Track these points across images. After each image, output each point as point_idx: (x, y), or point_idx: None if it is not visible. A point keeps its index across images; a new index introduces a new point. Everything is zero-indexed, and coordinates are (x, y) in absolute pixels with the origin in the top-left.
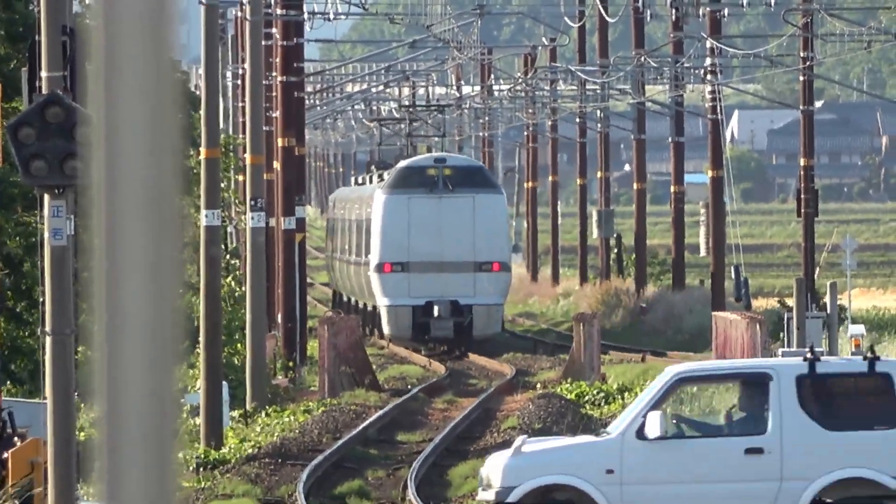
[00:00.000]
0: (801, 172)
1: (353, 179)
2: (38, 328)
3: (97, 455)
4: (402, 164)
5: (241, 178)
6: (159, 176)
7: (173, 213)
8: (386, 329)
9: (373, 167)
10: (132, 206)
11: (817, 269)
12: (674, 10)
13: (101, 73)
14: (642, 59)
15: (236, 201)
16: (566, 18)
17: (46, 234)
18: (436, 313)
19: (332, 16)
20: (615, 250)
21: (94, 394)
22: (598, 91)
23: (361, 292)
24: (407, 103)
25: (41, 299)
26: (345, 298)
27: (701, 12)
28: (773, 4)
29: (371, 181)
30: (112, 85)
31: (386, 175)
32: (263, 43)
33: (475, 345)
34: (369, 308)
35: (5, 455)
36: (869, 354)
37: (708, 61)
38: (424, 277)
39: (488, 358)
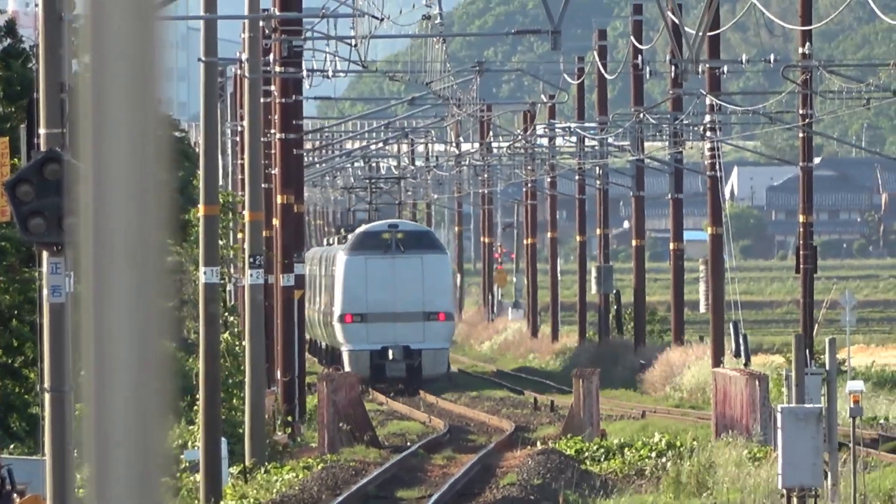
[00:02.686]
0: (801, 229)
1: (325, 240)
2: (34, 384)
3: None
4: (361, 229)
5: (240, 235)
6: (146, 231)
7: (160, 268)
8: (347, 370)
9: (342, 230)
10: (119, 260)
11: (816, 326)
12: (673, 67)
13: (90, 128)
14: (641, 115)
15: (234, 259)
16: (565, 75)
17: (45, 292)
18: (390, 356)
19: (331, 73)
20: (614, 307)
21: (84, 450)
22: (597, 148)
23: (328, 338)
24: (371, 175)
25: (31, 356)
26: (317, 343)
27: (700, 69)
28: (772, 61)
29: (338, 242)
30: (100, 140)
31: (349, 237)
32: (262, 100)
33: (426, 384)
34: (334, 351)
35: None
36: None
37: (707, 118)
38: (380, 326)
39: (488, 414)
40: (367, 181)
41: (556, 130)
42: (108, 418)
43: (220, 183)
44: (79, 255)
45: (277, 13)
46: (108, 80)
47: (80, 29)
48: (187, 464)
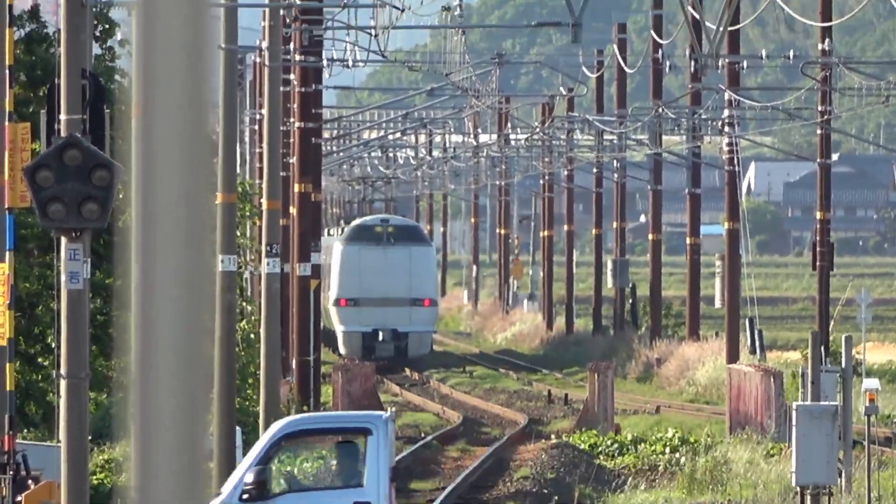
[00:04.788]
0: (817, 225)
1: (325, 231)
2: (51, 372)
3: (131, 500)
4: (356, 222)
5: (257, 222)
6: (193, 225)
7: (207, 262)
8: (341, 349)
9: (341, 221)
10: (167, 252)
11: (832, 323)
12: (692, 62)
13: (140, 125)
14: (660, 109)
15: (251, 248)
16: (584, 68)
17: (63, 278)
18: (380, 338)
19: (350, 63)
20: (630, 301)
21: (127, 437)
22: (615, 141)
23: (325, 320)
24: (364, 174)
25: (51, 342)
26: (332, 332)
27: (719, 64)
28: (791, 58)
29: (336, 233)
30: (149, 142)
31: (345, 229)
32: (281, 88)
33: (411, 363)
34: (330, 331)
35: (19, 498)
36: None
37: (725, 113)
38: (371, 310)
39: (502, 407)
40: (362, 179)
41: (575, 123)
42: (154, 410)
43: (238, 171)
44: (127, 253)
45: (298, 2)
46: (158, 79)
47: (133, 23)
48: None
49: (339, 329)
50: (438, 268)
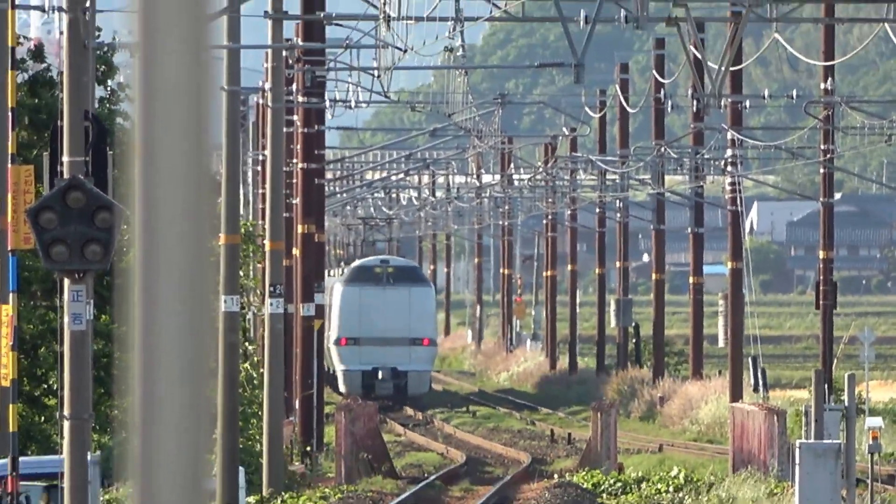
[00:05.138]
0: (820, 264)
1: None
2: (54, 413)
3: None
4: (356, 263)
5: (260, 264)
6: (196, 266)
7: (209, 303)
8: (342, 388)
9: (342, 262)
10: (169, 293)
11: (835, 361)
12: (695, 101)
13: (142, 166)
14: (662, 149)
15: (254, 289)
16: (587, 108)
17: (66, 319)
18: (380, 377)
19: (353, 104)
20: (633, 340)
21: (129, 478)
22: (618, 181)
23: (325, 359)
24: (367, 215)
25: (54, 384)
26: (333, 372)
27: (722, 104)
28: (794, 97)
29: (337, 274)
30: (152, 177)
31: (346, 270)
32: (284, 129)
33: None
34: (330, 371)
35: None
36: None
37: (728, 152)
38: (371, 349)
39: (505, 446)
40: (362, 220)
41: (578, 163)
42: (156, 452)
43: (241, 212)
44: (130, 294)
45: (301, 43)
46: (159, 121)
47: (132, 66)
48: None
49: (339, 368)
50: (440, 308)
